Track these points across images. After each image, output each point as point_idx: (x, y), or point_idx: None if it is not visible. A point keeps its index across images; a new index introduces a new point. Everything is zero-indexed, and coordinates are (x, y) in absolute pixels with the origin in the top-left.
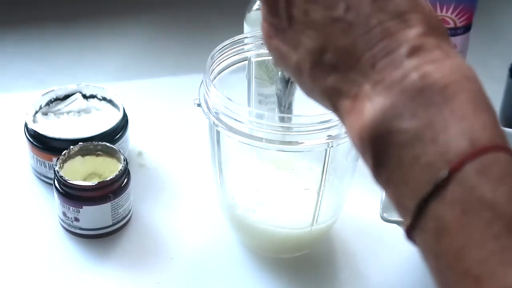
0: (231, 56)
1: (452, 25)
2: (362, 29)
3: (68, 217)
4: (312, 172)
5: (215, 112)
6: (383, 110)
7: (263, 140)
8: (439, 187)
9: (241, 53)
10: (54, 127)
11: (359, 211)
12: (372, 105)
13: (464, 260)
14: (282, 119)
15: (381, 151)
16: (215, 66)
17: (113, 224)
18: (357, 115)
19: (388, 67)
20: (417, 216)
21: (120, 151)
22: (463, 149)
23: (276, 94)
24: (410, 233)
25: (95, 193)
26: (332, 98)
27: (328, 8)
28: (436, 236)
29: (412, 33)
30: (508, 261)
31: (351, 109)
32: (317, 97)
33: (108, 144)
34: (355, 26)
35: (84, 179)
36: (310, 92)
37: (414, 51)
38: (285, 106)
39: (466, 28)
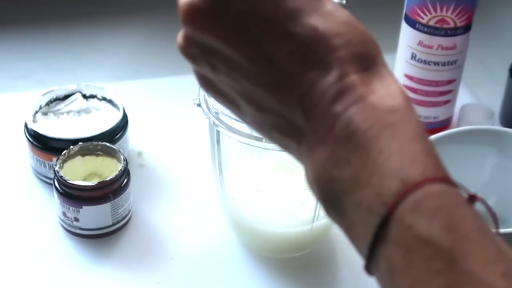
0: None
1: (452, 25)
2: (289, 84)
3: (68, 217)
4: None
5: (215, 112)
6: (322, 162)
7: (263, 140)
8: (382, 230)
9: None
10: (54, 127)
11: None
12: (313, 158)
13: None
14: None
15: (329, 200)
16: None
17: (113, 224)
18: (305, 168)
19: (317, 119)
20: (370, 257)
21: (120, 151)
22: (396, 189)
23: None
24: (368, 270)
25: (95, 193)
26: (286, 151)
27: (247, 73)
28: (390, 275)
29: (331, 79)
30: None
31: (300, 160)
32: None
33: (108, 144)
34: (282, 82)
35: (84, 179)
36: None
37: (336, 97)
38: None
39: (466, 28)
